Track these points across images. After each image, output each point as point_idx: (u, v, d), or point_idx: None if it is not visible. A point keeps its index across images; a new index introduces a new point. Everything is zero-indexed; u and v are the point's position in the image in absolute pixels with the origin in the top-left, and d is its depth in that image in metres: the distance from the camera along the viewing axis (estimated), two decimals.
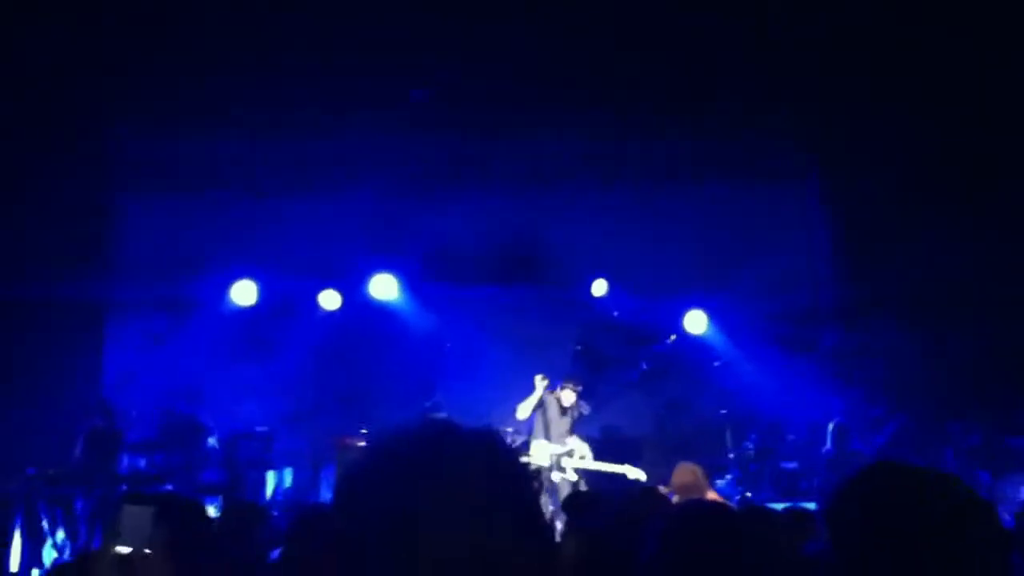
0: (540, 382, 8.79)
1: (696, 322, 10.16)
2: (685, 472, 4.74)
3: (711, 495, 4.73)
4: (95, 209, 10.05)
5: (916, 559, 1.38)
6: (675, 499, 4.26)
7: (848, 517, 1.48)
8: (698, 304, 10.25)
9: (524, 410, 8.70)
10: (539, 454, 8.40)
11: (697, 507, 2.35)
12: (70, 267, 9.12)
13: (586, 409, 9.03)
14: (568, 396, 8.82)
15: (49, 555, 7.04)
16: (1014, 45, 8.79)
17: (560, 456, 8.40)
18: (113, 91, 9.32)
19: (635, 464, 8.44)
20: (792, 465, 9.12)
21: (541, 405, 8.78)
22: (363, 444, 9.20)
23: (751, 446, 9.16)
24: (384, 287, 10.40)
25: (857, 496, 1.49)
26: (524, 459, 7.55)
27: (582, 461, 8.46)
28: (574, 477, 8.32)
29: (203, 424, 9.29)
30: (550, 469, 8.37)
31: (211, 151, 10.35)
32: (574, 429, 8.77)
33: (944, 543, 1.39)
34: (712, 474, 8.96)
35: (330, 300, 10.29)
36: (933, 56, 9.00)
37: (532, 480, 1.24)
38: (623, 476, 8.24)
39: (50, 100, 9.00)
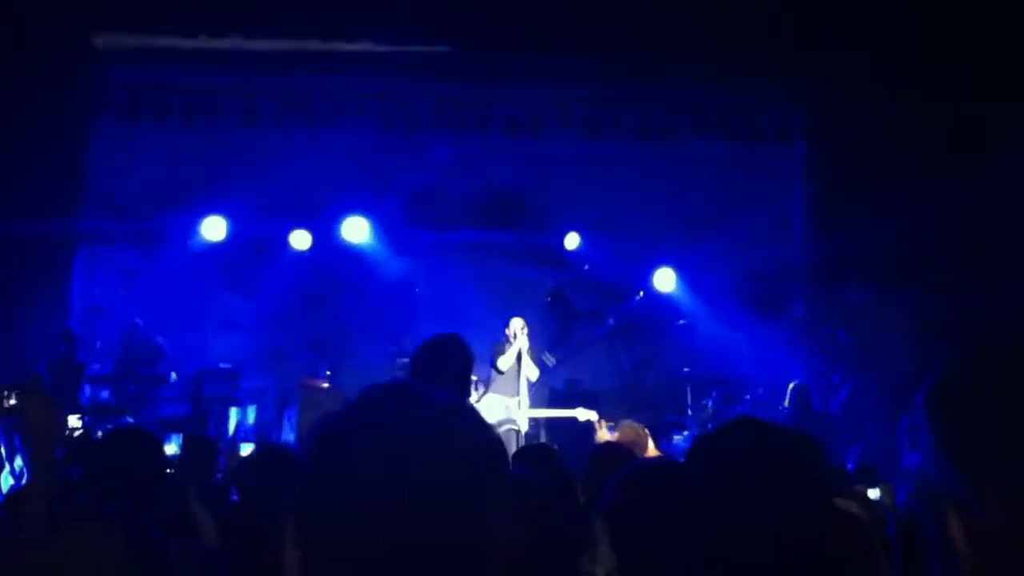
0: (521, 329, 8.26)
1: (665, 280, 10.22)
2: (629, 430, 4.85)
3: (652, 452, 4.83)
4: (68, 139, 9.90)
5: (757, 512, 1.43)
6: None
7: (702, 469, 1.53)
8: (671, 262, 10.29)
9: (505, 362, 8.18)
10: (491, 408, 8.07)
11: (639, 466, 2.46)
12: (40, 198, 9.01)
13: (551, 360, 8.99)
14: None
15: (7, 482, 7.07)
16: (1005, 9, 8.75)
17: (511, 407, 8.25)
18: (89, 14, 9.14)
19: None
20: None
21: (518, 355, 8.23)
22: (327, 387, 9.26)
23: (710, 404, 9.30)
24: (356, 230, 10.37)
25: (712, 450, 1.55)
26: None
27: (532, 411, 8.30)
28: (524, 428, 8.19)
29: (162, 348, 9.25)
30: (500, 424, 8.13)
31: (189, 83, 10.20)
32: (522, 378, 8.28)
33: (774, 503, 1.44)
34: (671, 431, 9.12)
35: (301, 240, 10.25)
36: (923, 18, 8.97)
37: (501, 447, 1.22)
38: (575, 421, 8.16)
39: (23, 22, 8.81)
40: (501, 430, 8.11)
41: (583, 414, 8.19)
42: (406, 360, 7.89)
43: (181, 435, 7.81)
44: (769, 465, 1.47)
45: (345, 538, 1.07)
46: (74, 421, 7.37)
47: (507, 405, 8.14)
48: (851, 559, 1.92)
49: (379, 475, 1.07)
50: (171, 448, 6.21)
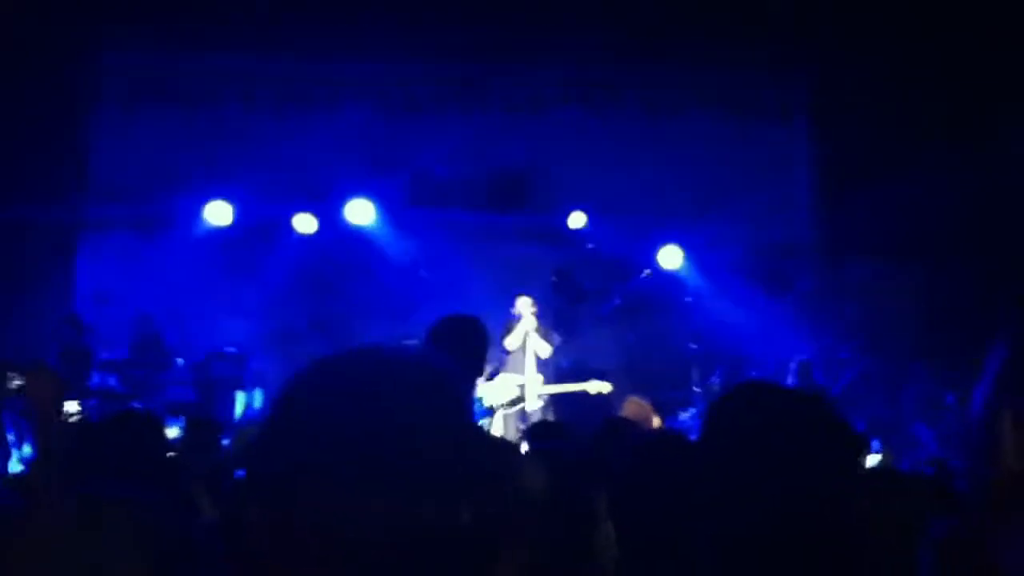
0: (530, 307, 8.22)
1: (671, 257, 10.18)
2: (633, 405, 4.87)
3: (657, 426, 4.84)
4: (70, 123, 9.89)
5: (773, 467, 1.41)
6: None
7: (717, 430, 1.52)
8: (677, 240, 10.25)
9: (512, 341, 8.15)
10: (503, 387, 8.05)
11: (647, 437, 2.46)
12: (42, 185, 9.01)
13: (557, 340, 8.97)
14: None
15: (16, 469, 7.10)
16: None
17: (522, 386, 8.27)
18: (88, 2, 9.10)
19: (606, 396, 8.40)
20: None
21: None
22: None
23: (717, 381, 9.28)
24: (361, 212, 10.33)
25: (726, 411, 1.53)
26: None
27: (545, 387, 8.31)
28: (534, 406, 8.19)
29: (168, 343, 9.31)
30: (513, 403, 8.14)
31: (191, 66, 10.18)
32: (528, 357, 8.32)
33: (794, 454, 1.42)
34: (676, 408, 9.11)
35: (306, 224, 10.22)
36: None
37: (467, 407, 1.16)
38: (587, 396, 8.15)
39: (21, 12, 8.77)
40: (510, 410, 8.14)
41: (595, 386, 8.18)
42: (414, 342, 7.88)
43: (183, 419, 7.83)
44: (784, 424, 1.45)
45: (290, 520, 0.98)
46: (72, 407, 7.39)
47: (518, 383, 8.17)
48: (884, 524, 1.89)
49: (327, 452, 0.98)
50: (173, 432, 6.22)
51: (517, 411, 8.01)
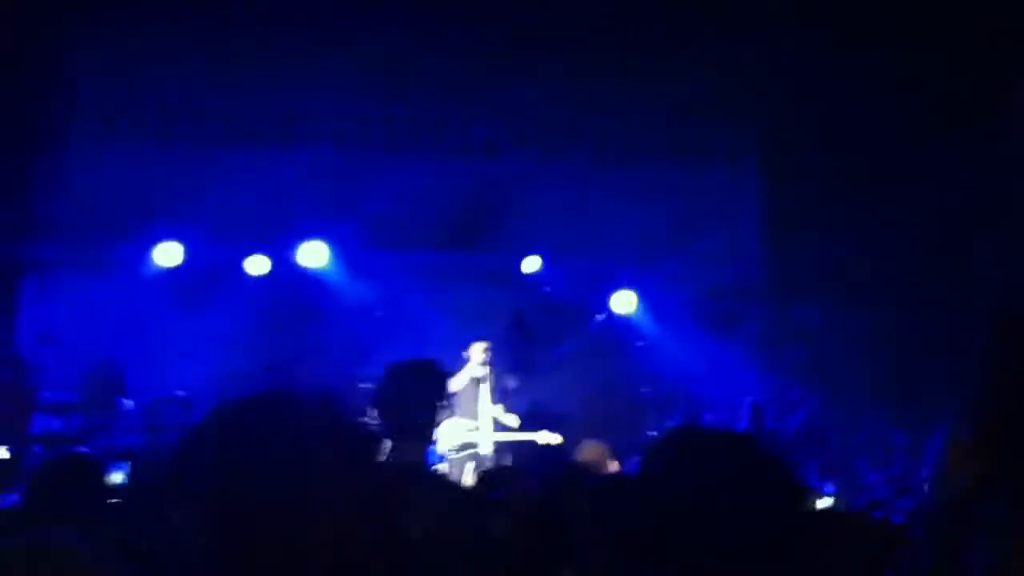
0: (480, 354, 8.15)
1: (624, 302, 10.26)
2: (590, 450, 4.86)
3: (614, 471, 4.83)
4: (12, 160, 9.71)
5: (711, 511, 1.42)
6: None
7: (650, 476, 1.52)
8: (629, 283, 10.34)
9: (455, 383, 7.91)
10: (452, 431, 7.93)
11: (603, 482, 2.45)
12: None
13: (513, 383, 8.94)
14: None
15: None
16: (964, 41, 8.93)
17: (473, 430, 8.17)
18: (46, 31, 9.00)
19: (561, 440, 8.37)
20: None
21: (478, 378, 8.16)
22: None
23: (673, 424, 9.31)
24: (315, 254, 10.26)
25: (662, 456, 1.53)
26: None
27: (495, 434, 8.22)
28: (489, 451, 8.11)
29: (126, 386, 9.10)
30: (463, 447, 8.05)
31: (141, 102, 10.08)
32: (493, 400, 8.32)
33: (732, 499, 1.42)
34: (634, 452, 9.10)
35: (258, 265, 10.12)
36: (876, 39, 9.14)
37: (370, 444, 1.25)
38: (535, 444, 8.12)
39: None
40: (461, 455, 8.04)
41: (544, 437, 8.17)
42: (368, 384, 7.76)
43: (129, 463, 7.63)
44: (716, 469, 1.45)
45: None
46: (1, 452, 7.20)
47: (468, 428, 8.08)
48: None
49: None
50: (118, 477, 6.06)
51: (467, 455, 7.92)
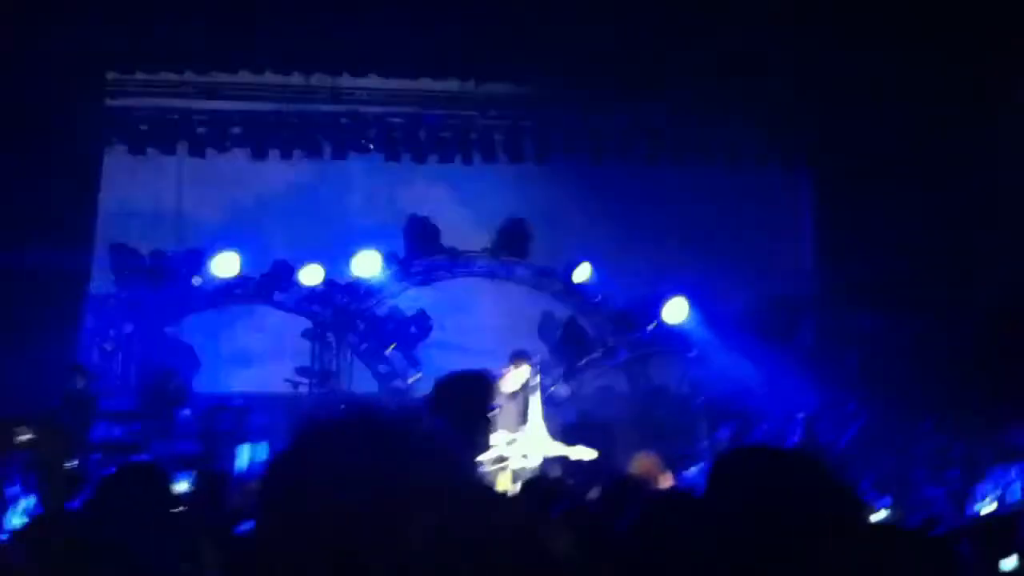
0: (524, 372, 7.80)
1: (676, 310, 10.17)
2: (643, 462, 4.84)
3: (667, 483, 4.80)
4: (80, 172, 9.96)
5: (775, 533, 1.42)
6: None
7: (717, 496, 1.53)
8: (681, 291, 10.26)
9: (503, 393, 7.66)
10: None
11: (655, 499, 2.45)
12: (50, 232, 9.05)
13: (564, 392, 8.89)
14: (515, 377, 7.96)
15: (18, 520, 7.04)
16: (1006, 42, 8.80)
17: (511, 443, 8.02)
18: (97, 51, 9.24)
19: (611, 450, 8.24)
20: None
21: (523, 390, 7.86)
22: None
23: (726, 435, 9.22)
24: (368, 264, 10.37)
25: (728, 477, 1.54)
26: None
27: (533, 446, 8.05)
28: (519, 465, 7.94)
29: (187, 394, 9.29)
30: (498, 460, 7.92)
31: (198, 115, 10.30)
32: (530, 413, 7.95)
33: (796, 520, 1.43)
34: (685, 463, 9.03)
35: (312, 275, 10.26)
36: (928, 48, 9.02)
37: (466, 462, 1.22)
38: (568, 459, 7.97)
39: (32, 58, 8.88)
40: (498, 467, 7.88)
41: (578, 452, 8.01)
42: (421, 396, 7.79)
43: (192, 472, 7.78)
44: (785, 488, 1.45)
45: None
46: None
47: (507, 440, 7.94)
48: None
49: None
50: (182, 486, 6.18)
51: (502, 467, 7.79)
